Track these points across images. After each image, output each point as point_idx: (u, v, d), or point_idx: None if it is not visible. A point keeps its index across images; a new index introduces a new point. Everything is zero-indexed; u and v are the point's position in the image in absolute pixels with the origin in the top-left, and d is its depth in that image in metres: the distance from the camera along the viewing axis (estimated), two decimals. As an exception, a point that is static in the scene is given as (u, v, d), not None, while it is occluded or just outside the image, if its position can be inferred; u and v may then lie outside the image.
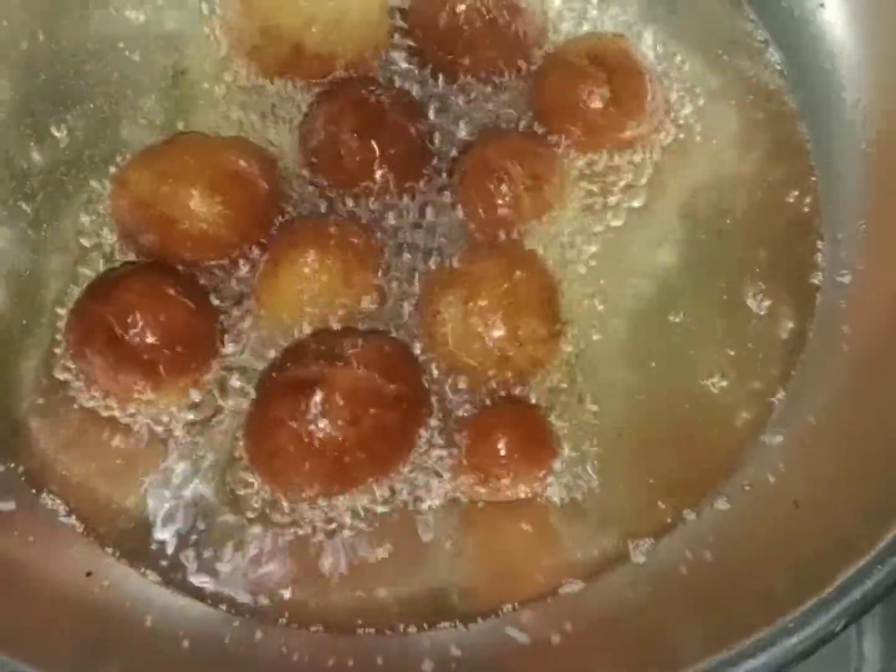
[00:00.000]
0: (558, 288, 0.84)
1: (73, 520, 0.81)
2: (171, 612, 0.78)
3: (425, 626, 0.78)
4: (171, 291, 0.80)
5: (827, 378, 0.85)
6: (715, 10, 0.98)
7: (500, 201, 0.85)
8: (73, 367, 0.82)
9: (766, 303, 0.88)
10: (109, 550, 0.80)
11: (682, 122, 0.92)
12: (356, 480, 0.79)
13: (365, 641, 0.78)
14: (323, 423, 0.76)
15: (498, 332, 0.80)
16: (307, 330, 0.82)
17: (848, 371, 0.85)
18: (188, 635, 0.76)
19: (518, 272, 0.82)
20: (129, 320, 0.78)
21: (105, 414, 0.82)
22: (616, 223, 0.89)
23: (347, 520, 0.80)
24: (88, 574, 0.78)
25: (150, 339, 0.78)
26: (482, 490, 0.80)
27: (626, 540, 0.81)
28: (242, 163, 0.83)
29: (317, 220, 0.85)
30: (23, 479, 0.81)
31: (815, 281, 0.89)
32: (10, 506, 0.79)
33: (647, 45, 0.94)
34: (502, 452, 0.79)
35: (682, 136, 0.92)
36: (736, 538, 0.80)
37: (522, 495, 0.81)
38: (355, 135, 0.84)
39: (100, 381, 0.81)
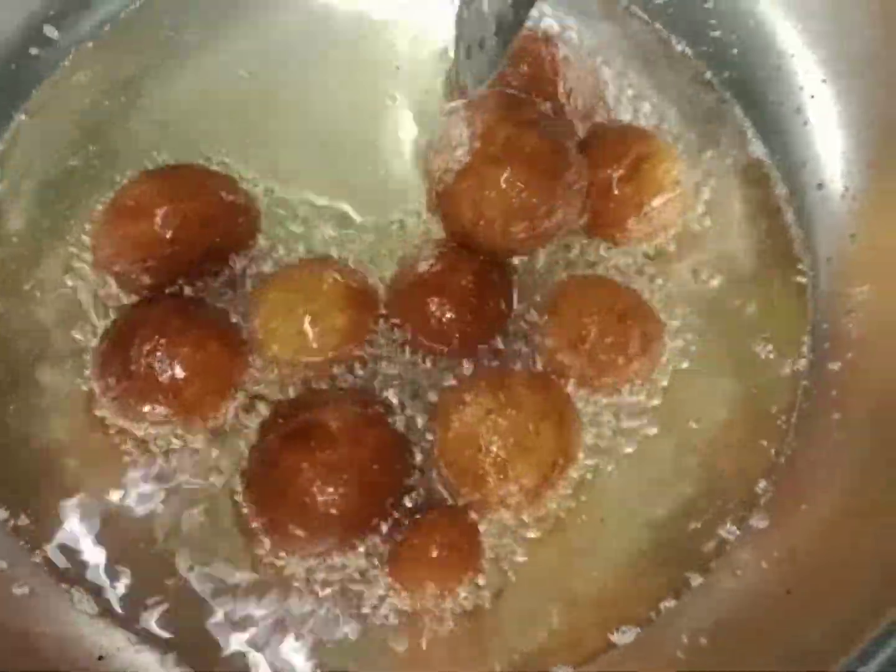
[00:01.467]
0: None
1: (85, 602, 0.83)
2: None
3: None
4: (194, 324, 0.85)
5: (818, 465, 0.89)
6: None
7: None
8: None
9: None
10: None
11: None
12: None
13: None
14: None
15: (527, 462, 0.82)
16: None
17: (839, 458, 0.88)
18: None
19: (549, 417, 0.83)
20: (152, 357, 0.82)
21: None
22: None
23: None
24: (100, 658, 0.80)
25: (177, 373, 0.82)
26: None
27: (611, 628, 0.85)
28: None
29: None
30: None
31: (799, 368, 0.93)
32: (24, 590, 0.82)
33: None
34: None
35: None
36: (731, 623, 0.82)
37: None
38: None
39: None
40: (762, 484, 0.89)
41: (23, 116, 0.98)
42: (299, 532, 0.79)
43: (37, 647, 0.80)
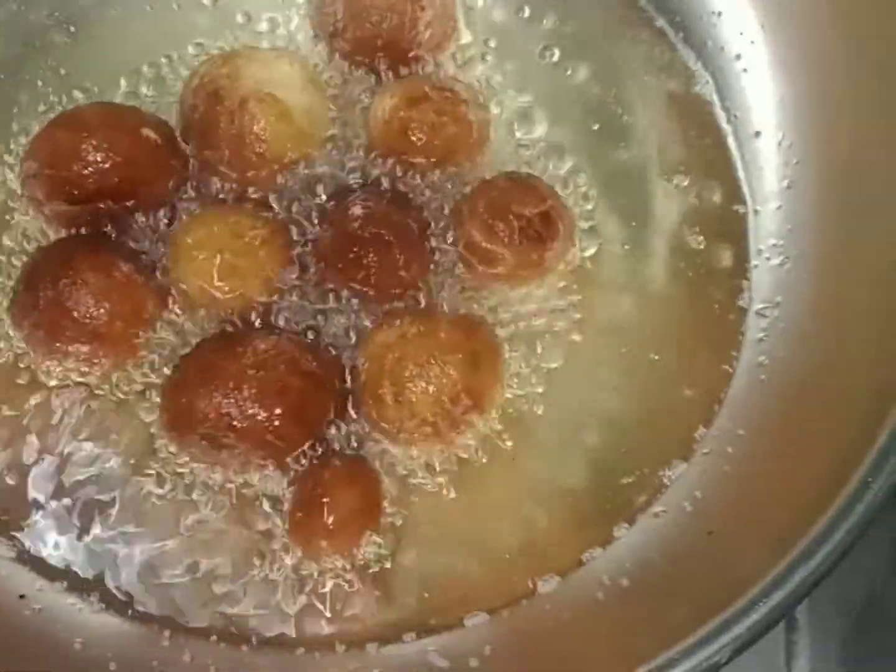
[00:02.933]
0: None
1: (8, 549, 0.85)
2: (100, 635, 0.82)
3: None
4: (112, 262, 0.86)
5: (748, 409, 0.90)
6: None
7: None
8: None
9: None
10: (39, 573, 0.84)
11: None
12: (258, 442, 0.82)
13: (289, 658, 0.83)
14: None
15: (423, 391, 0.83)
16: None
17: (766, 404, 0.89)
18: (115, 658, 0.80)
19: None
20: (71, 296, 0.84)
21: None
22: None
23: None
24: (21, 597, 0.82)
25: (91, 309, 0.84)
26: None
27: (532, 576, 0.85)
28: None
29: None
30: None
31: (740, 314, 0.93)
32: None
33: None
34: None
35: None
36: (652, 565, 0.84)
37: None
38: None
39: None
40: (700, 430, 0.90)
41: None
42: (218, 441, 0.81)
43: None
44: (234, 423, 0.80)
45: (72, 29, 1.00)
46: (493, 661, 0.81)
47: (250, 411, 0.80)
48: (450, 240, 0.89)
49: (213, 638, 0.82)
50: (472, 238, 0.88)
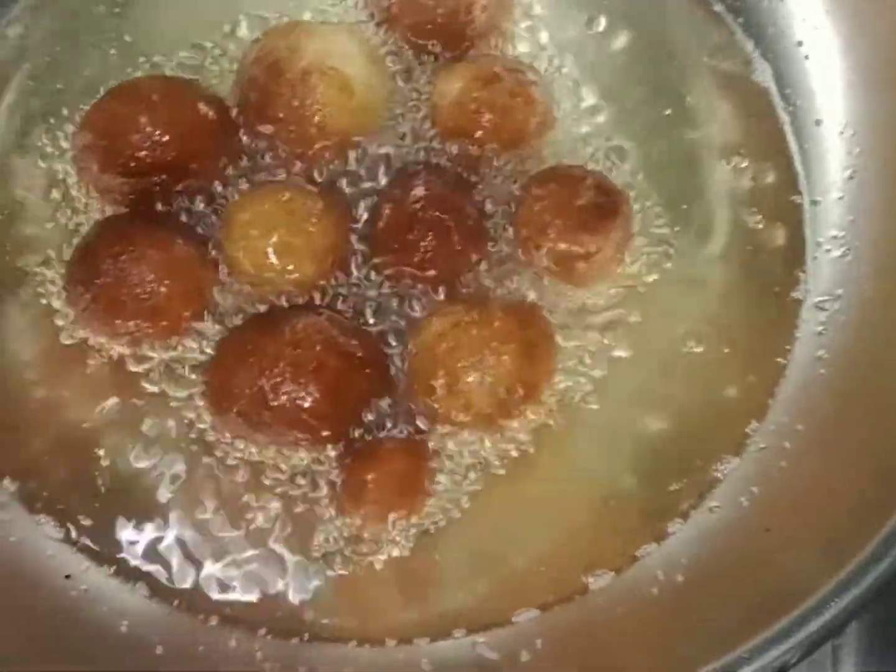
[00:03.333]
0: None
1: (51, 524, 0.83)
2: (146, 619, 0.81)
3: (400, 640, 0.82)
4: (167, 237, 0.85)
5: (806, 404, 0.88)
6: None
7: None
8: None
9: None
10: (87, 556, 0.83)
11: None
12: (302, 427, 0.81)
13: (339, 652, 0.81)
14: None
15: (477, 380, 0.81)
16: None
17: (826, 399, 0.87)
18: (162, 641, 0.79)
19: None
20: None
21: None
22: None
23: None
24: (67, 577, 0.81)
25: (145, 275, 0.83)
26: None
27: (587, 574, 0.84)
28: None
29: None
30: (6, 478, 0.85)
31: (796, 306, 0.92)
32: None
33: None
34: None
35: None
36: (709, 561, 0.82)
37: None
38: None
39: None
40: (753, 424, 0.88)
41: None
42: (253, 418, 0.80)
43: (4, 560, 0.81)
44: (269, 400, 0.80)
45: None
46: (544, 654, 0.80)
47: (284, 389, 0.79)
48: (509, 227, 0.88)
49: (262, 631, 0.81)
50: (534, 228, 0.87)
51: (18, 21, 0.98)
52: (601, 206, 0.86)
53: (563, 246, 0.86)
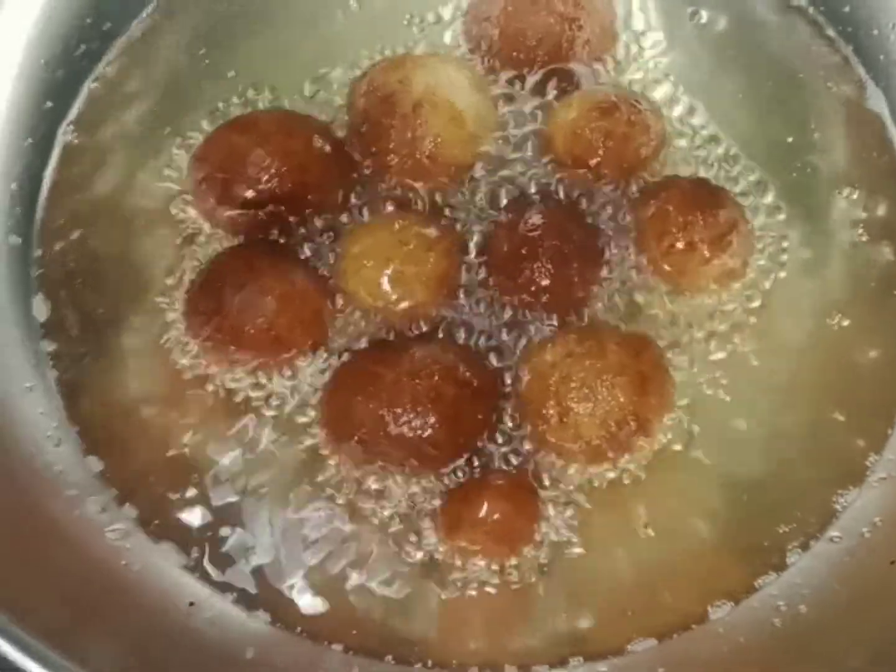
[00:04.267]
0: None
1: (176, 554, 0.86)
2: (271, 645, 0.83)
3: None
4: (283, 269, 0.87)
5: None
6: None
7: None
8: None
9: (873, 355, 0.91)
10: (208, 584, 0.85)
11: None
12: (421, 456, 0.83)
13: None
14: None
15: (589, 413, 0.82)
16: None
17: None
18: (287, 667, 0.81)
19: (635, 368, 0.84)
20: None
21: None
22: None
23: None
24: (191, 604, 0.83)
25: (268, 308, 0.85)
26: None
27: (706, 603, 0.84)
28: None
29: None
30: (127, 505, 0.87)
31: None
32: (116, 535, 0.85)
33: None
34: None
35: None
36: (833, 592, 0.82)
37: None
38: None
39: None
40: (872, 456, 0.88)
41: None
42: (371, 447, 0.82)
43: (128, 588, 0.82)
44: (389, 429, 0.81)
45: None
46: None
47: (404, 418, 0.81)
48: (627, 254, 0.89)
49: (386, 657, 0.83)
50: (657, 239, 0.88)
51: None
52: (722, 209, 0.88)
53: (686, 241, 0.87)
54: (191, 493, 0.87)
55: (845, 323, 0.91)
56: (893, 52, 0.99)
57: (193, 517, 0.86)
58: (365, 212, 0.91)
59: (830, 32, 1.01)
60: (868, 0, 0.99)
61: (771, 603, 0.83)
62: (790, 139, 0.97)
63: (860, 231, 0.94)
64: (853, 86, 0.99)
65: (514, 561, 0.84)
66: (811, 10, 1.02)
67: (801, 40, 1.01)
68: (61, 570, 0.81)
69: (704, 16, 1.00)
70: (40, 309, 0.91)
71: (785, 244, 0.93)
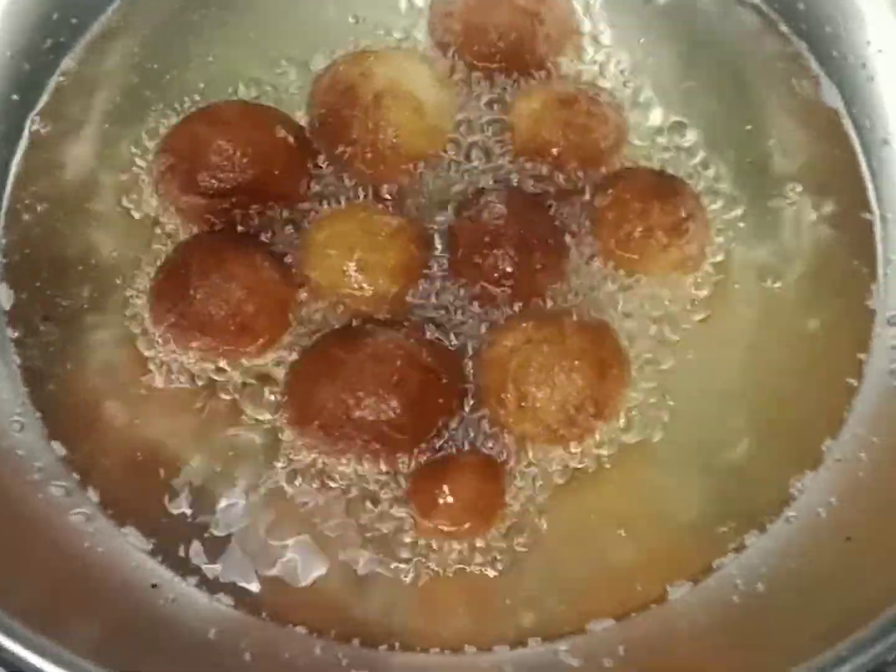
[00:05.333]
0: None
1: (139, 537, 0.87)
2: (233, 627, 0.84)
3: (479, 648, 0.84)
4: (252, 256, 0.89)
5: (881, 416, 0.91)
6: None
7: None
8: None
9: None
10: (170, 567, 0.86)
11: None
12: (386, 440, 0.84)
13: (423, 659, 0.84)
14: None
15: (547, 397, 0.84)
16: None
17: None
18: (249, 648, 0.82)
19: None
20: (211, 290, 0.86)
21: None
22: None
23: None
24: (154, 586, 0.84)
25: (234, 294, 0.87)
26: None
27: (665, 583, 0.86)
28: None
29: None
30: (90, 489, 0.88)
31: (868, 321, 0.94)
32: (80, 518, 0.86)
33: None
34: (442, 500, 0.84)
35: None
36: (789, 570, 0.85)
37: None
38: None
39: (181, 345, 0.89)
40: (828, 441, 0.91)
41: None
42: (335, 431, 0.83)
43: (92, 571, 0.84)
44: (352, 413, 0.83)
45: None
46: (627, 661, 0.82)
47: (366, 402, 0.83)
48: (587, 242, 0.92)
49: (347, 639, 0.84)
50: (615, 225, 0.91)
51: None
52: (678, 197, 0.91)
53: (643, 229, 0.90)
54: (153, 477, 0.88)
55: (797, 309, 0.95)
56: (845, 47, 1.02)
57: (155, 501, 0.88)
58: (328, 202, 0.93)
59: (784, 28, 1.04)
60: (820, -1, 1.02)
61: (729, 581, 0.85)
62: (747, 130, 1.00)
63: (813, 219, 0.97)
64: (808, 80, 1.03)
65: (477, 543, 0.85)
66: (765, 7, 1.05)
67: (756, 35, 1.04)
68: (31, 551, 0.82)
69: (659, 6, 1.04)
70: (4, 297, 0.93)
71: (738, 229, 0.96)
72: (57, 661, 0.72)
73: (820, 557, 0.85)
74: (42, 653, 0.72)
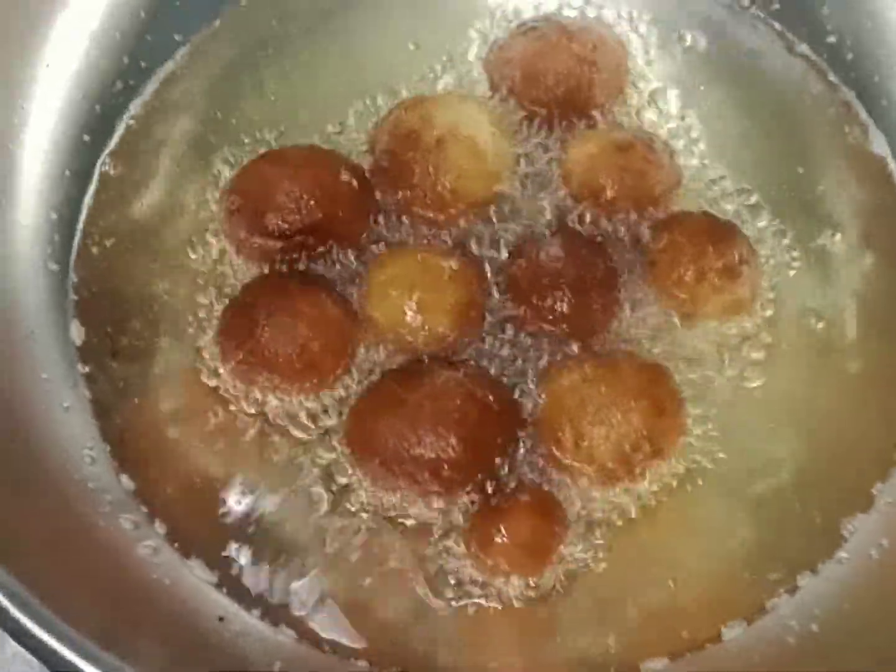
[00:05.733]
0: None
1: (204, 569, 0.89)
2: (297, 659, 0.86)
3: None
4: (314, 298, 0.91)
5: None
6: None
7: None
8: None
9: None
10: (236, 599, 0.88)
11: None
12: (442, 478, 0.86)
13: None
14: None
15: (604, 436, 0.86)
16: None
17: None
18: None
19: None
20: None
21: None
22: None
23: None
24: (220, 619, 0.86)
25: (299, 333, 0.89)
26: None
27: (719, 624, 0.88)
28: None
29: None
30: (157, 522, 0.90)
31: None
32: (148, 551, 0.88)
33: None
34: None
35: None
36: (842, 611, 0.86)
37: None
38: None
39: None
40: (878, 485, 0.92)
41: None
42: (395, 468, 0.86)
43: (161, 600, 0.85)
44: (412, 450, 0.85)
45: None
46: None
47: (427, 440, 0.85)
48: (641, 285, 0.94)
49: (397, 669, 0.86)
50: (669, 268, 0.93)
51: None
52: (731, 241, 0.94)
53: (697, 272, 0.92)
54: (218, 511, 0.91)
55: (847, 352, 0.97)
56: (894, 96, 1.04)
57: (220, 535, 0.90)
58: (390, 244, 0.96)
59: (832, 77, 1.06)
60: (869, 49, 1.05)
61: (783, 623, 0.87)
62: (797, 176, 1.02)
63: (860, 264, 0.99)
64: (857, 128, 1.05)
65: (531, 581, 0.87)
66: (814, 57, 1.07)
67: (806, 85, 1.07)
68: (102, 581, 0.84)
69: (711, 55, 1.06)
70: (76, 333, 0.96)
71: (788, 273, 0.98)
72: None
73: (873, 598, 0.86)
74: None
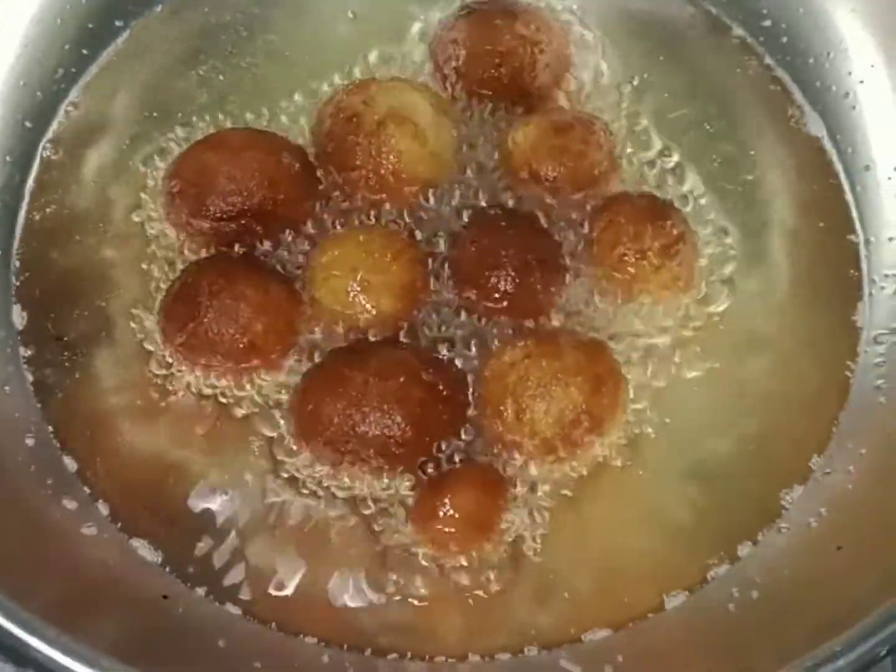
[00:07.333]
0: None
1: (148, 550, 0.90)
2: (243, 636, 0.87)
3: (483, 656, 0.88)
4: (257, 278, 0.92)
5: (868, 429, 0.95)
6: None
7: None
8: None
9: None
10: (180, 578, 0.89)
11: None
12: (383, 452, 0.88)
13: (429, 667, 0.87)
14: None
15: (544, 410, 0.88)
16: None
17: (888, 424, 0.94)
18: (259, 657, 0.84)
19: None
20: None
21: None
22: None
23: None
24: (165, 597, 0.87)
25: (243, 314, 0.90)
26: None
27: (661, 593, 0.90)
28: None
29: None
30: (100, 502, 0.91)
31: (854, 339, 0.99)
32: (92, 531, 0.89)
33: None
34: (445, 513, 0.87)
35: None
36: (782, 578, 0.88)
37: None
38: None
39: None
40: (815, 458, 0.94)
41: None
42: (340, 446, 0.87)
43: (105, 581, 0.86)
44: (357, 428, 0.86)
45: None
46: (626, 668, 0.85)
47: (371, 418, 0.86)
48: (582, 264, 0.96)
49: (367, 650, 0.87)
50: (610, 247, 0.95)
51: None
52: (669, 220, 0.96)
53: (636, 250, 0.94)
54: (162, 491, 0.91)
55: (786, 329, 0.99)
56: (828, 78, 1.07)
57: (164, 514, 0.91)
58: (332, 225, 0.97)
59: (769, 60, 1.09)
60: (803, 32, 1.08)
61: (725, 590, 0.88)
62: (734, 157, 1.05)
63: (799, 242, 1.02)
64: (794, 109, 1.07)
65: (478, 554, 0.89)
66: (750, 39, 1.10)
67: (744, 68, 1.10)
68: (48, 559, 0.85)
69: (651, 40, 1.09)
70: (17, 317, 0.96)
71: (727, 251, 1.00)
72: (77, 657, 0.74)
73: (812, 565, 0.88)
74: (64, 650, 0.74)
